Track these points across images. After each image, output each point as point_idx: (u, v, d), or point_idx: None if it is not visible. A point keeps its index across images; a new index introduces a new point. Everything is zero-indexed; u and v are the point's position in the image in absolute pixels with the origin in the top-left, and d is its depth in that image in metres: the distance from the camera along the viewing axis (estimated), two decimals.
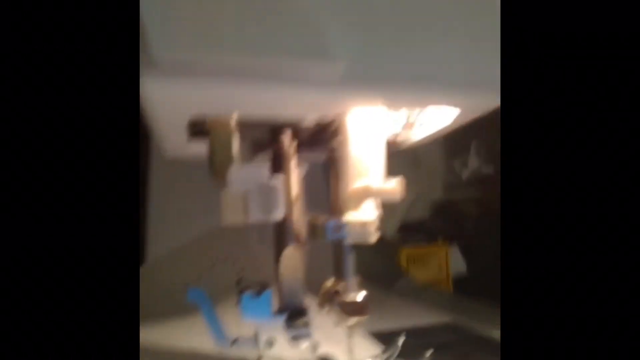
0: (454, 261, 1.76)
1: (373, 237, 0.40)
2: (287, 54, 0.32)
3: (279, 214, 0.36)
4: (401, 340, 0.46)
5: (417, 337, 0.58)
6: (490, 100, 0.39)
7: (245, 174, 0.36)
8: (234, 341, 0.40)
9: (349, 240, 0.41)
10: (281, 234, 0.42)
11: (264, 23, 0.31)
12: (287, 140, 0.42)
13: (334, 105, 0.36)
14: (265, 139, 0.43)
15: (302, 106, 0.36)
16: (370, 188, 0.37)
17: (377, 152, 0.39)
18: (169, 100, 0.34)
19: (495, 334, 0.59)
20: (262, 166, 0.36)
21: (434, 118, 0.44)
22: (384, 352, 0.46)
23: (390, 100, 0.38)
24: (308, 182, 0.45)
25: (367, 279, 0.86)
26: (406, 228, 1.98)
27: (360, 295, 0.42)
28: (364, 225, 0.39)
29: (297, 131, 0.43)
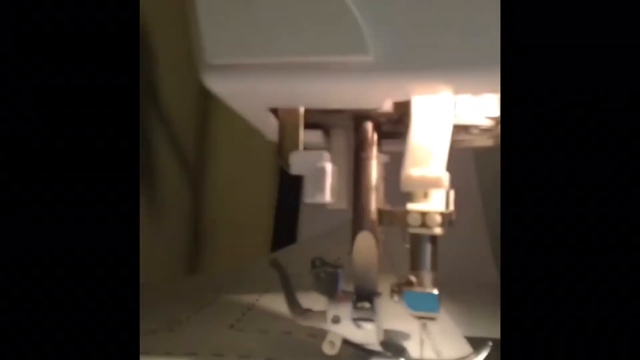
0: None
1: (437, 230, 0.39)
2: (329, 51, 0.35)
3: (326, 197, 0.38)
4: (485, 352, 0.43)
5: None
6: None
7: (303, 159, 0.39)
8: (305, 312, 0.43)
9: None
10: (357, 220, 0.44)
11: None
12: (366, 129, 0.44)
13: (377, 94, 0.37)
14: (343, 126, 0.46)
15: (348, 96, 0.38)
16: (424, 177, 0.36)
17: (438, 140, 0.37)
18: (242, 99, 0.40)
19: None
20: (319, 153, 0.39)
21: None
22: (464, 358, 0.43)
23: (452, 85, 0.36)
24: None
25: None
26: None
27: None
28: (423, 215, 0.38)
29: (377, 121, 0.44)
